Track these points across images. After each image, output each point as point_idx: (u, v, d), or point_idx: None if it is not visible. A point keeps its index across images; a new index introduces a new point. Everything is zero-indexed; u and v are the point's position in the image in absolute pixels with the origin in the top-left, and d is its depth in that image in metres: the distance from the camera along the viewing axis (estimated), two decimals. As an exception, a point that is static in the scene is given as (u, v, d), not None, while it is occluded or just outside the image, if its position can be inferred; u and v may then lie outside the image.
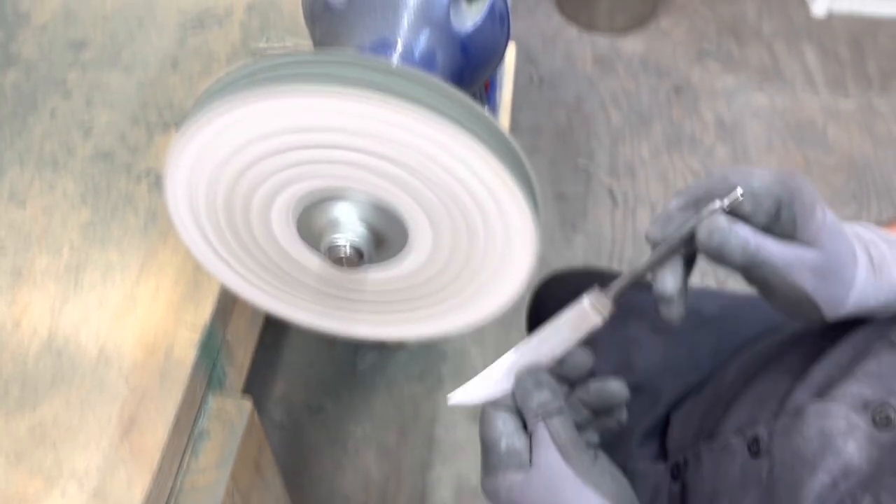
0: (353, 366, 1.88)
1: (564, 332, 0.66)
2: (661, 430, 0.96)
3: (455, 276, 0.59)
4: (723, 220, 0.59)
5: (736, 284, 1.85)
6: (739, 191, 0.60)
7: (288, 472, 1.70)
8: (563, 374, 0.67)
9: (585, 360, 0.67)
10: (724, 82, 2.59)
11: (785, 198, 0.60)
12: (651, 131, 2.45)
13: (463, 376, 1.84)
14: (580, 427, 0.69)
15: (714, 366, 0.96)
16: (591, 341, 1.08)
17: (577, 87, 2.59)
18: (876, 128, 2.45)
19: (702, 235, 0.59)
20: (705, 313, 1.05)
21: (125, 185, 0.84)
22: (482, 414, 0.67)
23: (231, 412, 0.75)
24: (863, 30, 2.77)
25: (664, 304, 0.65)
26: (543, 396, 0.64)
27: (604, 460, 0.66)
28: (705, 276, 2.06)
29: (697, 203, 0.62)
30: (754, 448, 0.74)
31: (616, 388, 0.67)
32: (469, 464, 1.74)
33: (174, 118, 0.91)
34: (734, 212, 0.61)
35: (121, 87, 0.95)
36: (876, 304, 0.65)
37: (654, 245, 0.64)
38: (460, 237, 0.56)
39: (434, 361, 1.89)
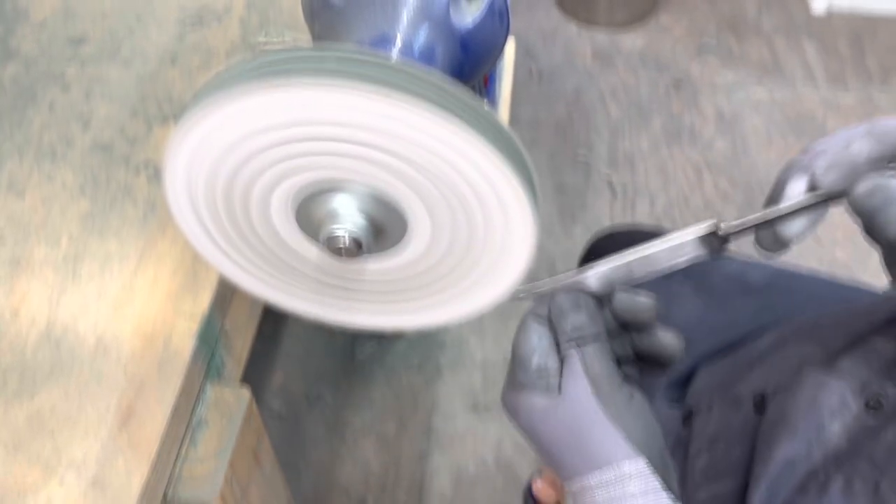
0: (351, 356, 1.88)
1: (663, 256, 0.60)
2: (686, 381, 0.96)
3: (454, 266, 0.59)
4: (895, 182, 0.52)
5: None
6: None
7: (286, 462, 1.71)
8: (630, 317, 0.63)
9: (653, 306, 0.62)
10: (724, 77, 2.59)
11: None
12: (650, 124, 2.45)
13: (462, 366, 1.86)
14: (621, 362, 0.64)
15: (751, 331, 0.94)
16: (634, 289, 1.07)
17: (577, 80, 2.59)
18: (875, 123, 2.45)
19: (861, 189, 0.53)
20: (751, 282, 1.04)
21: (124, 177, 0.85)
22: (521, 323, 0.62)
23: (229, 401, 0.76)
24: (862, 26, 2.76)
25: (773, 245, 0.59)
26: (580, 319, 0.60)
27: (640, 402, 0.61)
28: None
29: (893, 157, 0.55)
30: (759, 403, 0.74)
31: (671, 340, 0.63)
32: (468, 454, 1.75)
33: (173, 111, 0.91)
34: None
35: (120, 80, 0.95)
36: None
37: (812, 188, 0.57)
38: (459, 228, 0.56)
39: (433, 351, 1.89)
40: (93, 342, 0.72)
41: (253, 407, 0.78)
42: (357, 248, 0.56)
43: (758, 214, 0.58)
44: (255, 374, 1.83)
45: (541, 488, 1.34)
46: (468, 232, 0.56)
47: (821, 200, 0.56)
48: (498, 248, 0.57)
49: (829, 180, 0.56)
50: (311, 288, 0.64)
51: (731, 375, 0.87)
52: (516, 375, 0.61)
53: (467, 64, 0.71)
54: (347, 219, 0.55)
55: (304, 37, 1.00)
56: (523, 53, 2.65)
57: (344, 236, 0.55)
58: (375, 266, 0.61)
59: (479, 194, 0.53)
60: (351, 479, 1.71)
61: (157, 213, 0.81)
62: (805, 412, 0.67)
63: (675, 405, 0.93)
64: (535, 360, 0.60)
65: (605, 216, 2.20)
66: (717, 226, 0.59)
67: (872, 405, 0.64)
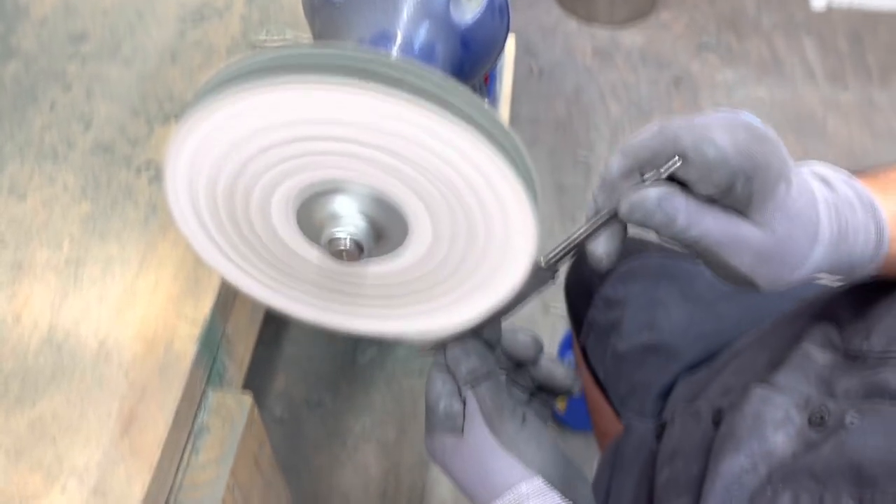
0: (352, 361, 1.88)
1: (511, 303, 0.64)
2: (671, 390, 0.97)
3: (455, 268, 0.59)
4: (651, 193, 0.55)
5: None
6: (676, 162, 0.55)
7: (287, 467, 1.70)
8: (514, 355, 0.69)
9: (533, 344, 0.68)
10: (724, 75, 2.59)
11: (745, 171, 0.54)
12: (651, 123, 2.44)
13: (463, 370, 1.84)
14: (531, 393, 0.71)
15: (735, 336, 0.96)
16: (620, 300, 1.09)
17: (577, 78, 2.59)
18: (875, 121, 2.45)
19: (623, 209, 0.56)
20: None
21: (125, 178, 0.84)
22: (428, 374, 0.69)
23: (231, 407, 0.75)
24: (862, 23, 2.76)
25: (593, 263, 0.62)
26: (471, 363, 0.66)
27: (533, 427, 0.67)
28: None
29: (642, 167, 0.58)
30: (716, 418, 0.76)
31: (561, 373, 0.69)
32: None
33: (174, 110, 0.91)
34: (675, 177, 0.56)
35: (121, 79, 0.95)
36: (830, 273, 0.62)
37: (596, 213, 0.60)
38: (460, 229, 0.56)
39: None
40: (94, 347, 0.72)
41: (255, 412, 0.77)
42: (358, 251, 0.55)
43: (562, 244, 0.62)
44: (256, 379, 1.83)
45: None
46: (469, 233, 0.56)
47: (603, 221, 0.60)
48: (498, 249, 0.56)
49: (600, 202, 0.60)
50: (313, 292, 0.64)
51: (697, 387, 0.88)
52: (429, 420, 0.68)
53: (468, 61, 0.70)
54: (348, 221, 0.55)
55: (304, 34, 1.00)
56: (523, 51, 2.65)
57: (345, 239, 0.55)
58: (376, 269, 0.61)
59: (479, 195, 0.52)
60: (351, 485, 1.71)
61: (158, 216, 0.81)
62: (750, 427, 0.70)
63: (651, 419, 0.93)
64: (442, 405, 0.67)
65: (605, 215, 2.20)
66: (537, 260, 0.62)
67: (815, 421, 0.66)
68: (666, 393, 0.98)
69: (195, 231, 0.60)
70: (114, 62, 0.97)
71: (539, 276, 0.63)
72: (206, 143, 0.52)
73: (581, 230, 0.61)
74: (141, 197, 0.83)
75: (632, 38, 2.72)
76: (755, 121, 0.57)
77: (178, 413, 0.69)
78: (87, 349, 0.72)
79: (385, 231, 0.57)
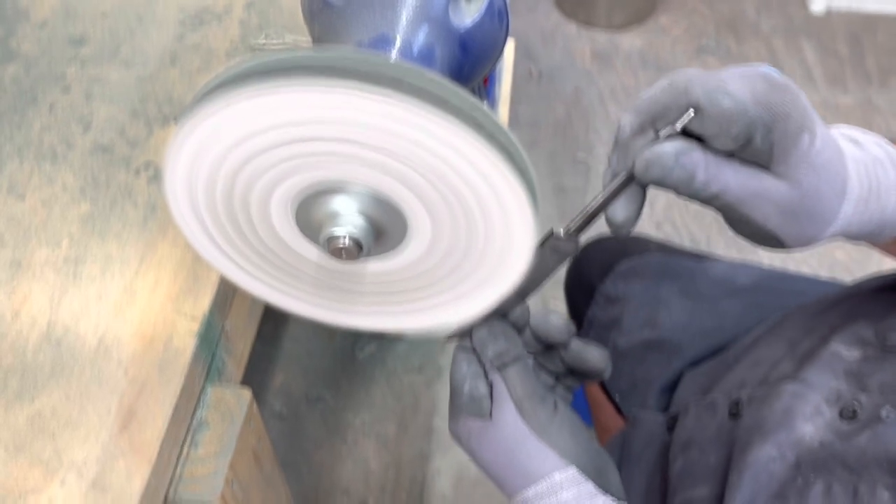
0: (352, 356, 1.88)
1: (535, 271, 0.62)
2: (676, 385, 0.97)
3: (454, 268, 0.59)
4: (667, 148, 0.53)
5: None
6: (690, 113, 0.53)
7: (287, 463, 1.71)
8: (545, 337, 0.67)
9: (565, 326, 0.66)
10: (723, 78, 2.58)
11: (764, 122, 0.52)
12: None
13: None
14: (556, 376, 0.70)
15: (739, 333, 0.96)
16: (621, 297, 1.09)
17: (576, 81, 2.59)
18: (875, 123, 2.45)
19: (638, 167, 0.55)
20: (738, 283, 1.05)
21: (124, 179, 0.85)
22: (453, 355, 0.67)
23: (230, 402, 0.76)
24: (861, 26, 2.77)
25: (613, 229, 0.60)
26: (499, 346, 0.64)
27: (564, 412, 0.65)
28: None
29: (655, 123, 0.56)
30: (734, 410, 0.75)
31: (595, 355, 0.67)
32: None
33: (173, 112, 0.91)
34: (691, 131, 0.54)
35: (120, 81, 0.95)
36: (859, 233, 0.60)
37: (613, 176, 0.59)
38: (459, 229, 0.56)
39: (433, 352, 1.89)
40: (94, 344, 0.72)
41: (254, 408, 0.78)
42: (357, 250, 0.55)
43: (581, 212, 0.60)
44: (255, 375, 1.83)
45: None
46: (468, 233, 0.56)
47: (620, 184, 0.58)
48: (498, 249, 0.56)
49: (614, 163, 0.59)
50: (312, 289, 0.64)
51: (709, 379, 0.87)
52: (454, 403, 0.66)
53: (467, 64, 0.71)
54: (347, 220, 0.55)
55: (303, 38, 1.00)
56: (523, 54, 2.65)
57: (344, 237, 0.55)
58: (376, 267, 0.61)
59: (478, 196, 0.53)
60: (351, 480, 1.71)
61: (157, 215, 0.81)
62: (780, 419, 0.68)
63: (660, 412, 0.93)
64: (467, 387, 0.65)
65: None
66: (556, 232, 0.62)
67: (847, 415, 0.65)
68: (668, 388, 0.98)
69: (194, 230, 0.60)
70: (113, 65, 0.97)
71: (561, 249, 0.62)
72: (205, 145, 0.52)
73: (599, 196, 0.59)
74: (140, 197, 0.83)
75: (631, 41, 2.72)
76: (773, 71, 0.55)
77: (176, 408, 0.69)
78: (87, 346, 0.72)
79: (384, 230, 0.57)
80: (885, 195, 0.58)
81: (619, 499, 0.64)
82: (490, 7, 0.70)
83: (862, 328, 0.72)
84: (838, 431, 0.65)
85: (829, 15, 2.82)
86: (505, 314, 0.66)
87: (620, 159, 0.58)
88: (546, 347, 0.69)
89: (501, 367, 0.64)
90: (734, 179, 0.54)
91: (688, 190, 0.55)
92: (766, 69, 0.55)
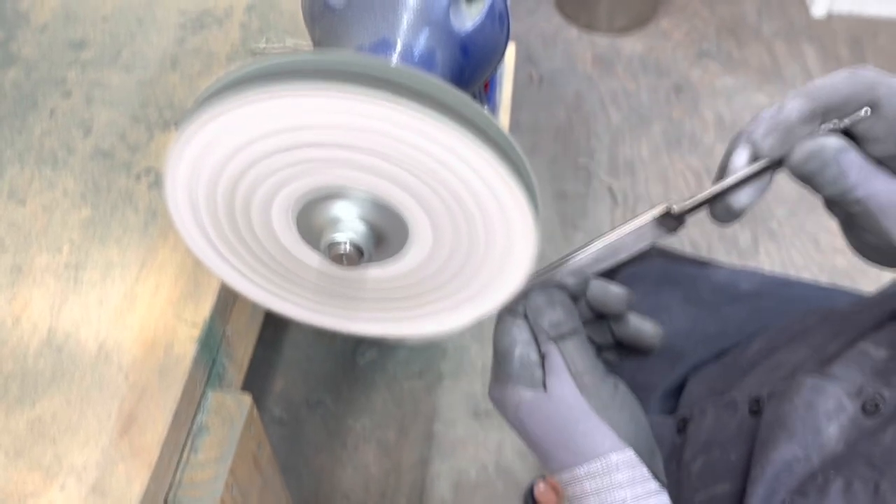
0: (352, 362, 1.88)
1: (628, 241, 0.62)
2: (679, 390, 0.97)
3: (455, 274, 0.59)
4: (831, 143, 0.52)
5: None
6: (865, 112, 0.51)
7: (287, 468, 1.71)
8: (602, 307, 0.65)
9: (626, 296, 0.64)
10: (724, 83, 2.59)
11: None
12: (651, 131, 2.45)
13: (463, 373, 1.85)
14: (602, 349, 0.67)
15: (741, 338, 0.96)
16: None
17: (577, 86, 2.59)
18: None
19: (796, 156, 0.54)
20: (740, 289, 1.05)
21: (125, 184, 0.85)
22: (497, 319, 0.64)
23: (230, 407, 0.76)
24: (863, 30, 2.77)
25: (723, 216, 0.59)
26: (556, 315, 0.62)
27: (624, 392, 0.63)
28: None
29: (825, 114, 0.54)
30: (754, 407, 0.74)
31: (651, 329, 0.66)
32: (468, 459, 1.74)
33: (174, 117, 0.91)
34: (853, 132, 0.53)
35: (121, 85, 0.95)
36: None
37: (756, 158, 0.57)
38: (460, 235, 0.56)
39: (434, 358, 1.89)
40: (94, 349, 0.72)
41: (254, 413, 0.78)
42: (358, 255, 0.55)
43: (706, 192, 0.59)
44: (256, 380, 1.83)
45: (542, 491, 1.33)
46: (469, 239, 0.56)
47: (762, 169, 0.57)
48: (499, 255, 0.56)
49: (767, 147, 0.57)
50: (313, 295, 0.64)
51: (724, 381, 0.87)
52: (501, 368, 0.63)
53: (468, 68, 0.71)
54: (348, 226, 0.55)
55: (304, 42, 1.00)
56: (524, 59, 2.65)
57: (345, 243, 0.55)
58: (377, 273, 0.61)
59: (479, 201, 0.53)
60: (352, 485, 1.71)
61: (158, 221, 0.81)
62: (802, 415, 0.68)
63: (668, 415, 0.93)
64: (518, 352, 0.62)
65: (605, 223, 2.20)
66: (670, 207, 0.60)
67: (870, 409, 0.65)
68: (671, 393, 0.98)
69: (195, 236, 0.60)
70: (114, 69, 0.97)
71: (665, 225, 0.61)
72: (206, 150, 0.52)
73: (732, 178, 0.57)
74: (141, 202, 0.83)
75: (632, 45, 2.72)
76: None
77: (177, 413, 0.69)
78: (87, 351, 0.72)
79: (385, 235, 0.57)
80: None
81: (664, 485, 0.63)
82: (491, 10, 0.70)
83: (891, 331, 0.71)
84: (861, 428, 0.64)
85: (831, 19, 2.82)
86: (565, 284, 0.64)
87: (777, 142, 0.56)
88: (597, 317, 0.67)
89: (558, 339, 0.62)
90: (883, 188, 0.53)
91: (835, 189, 0.54)
92: None
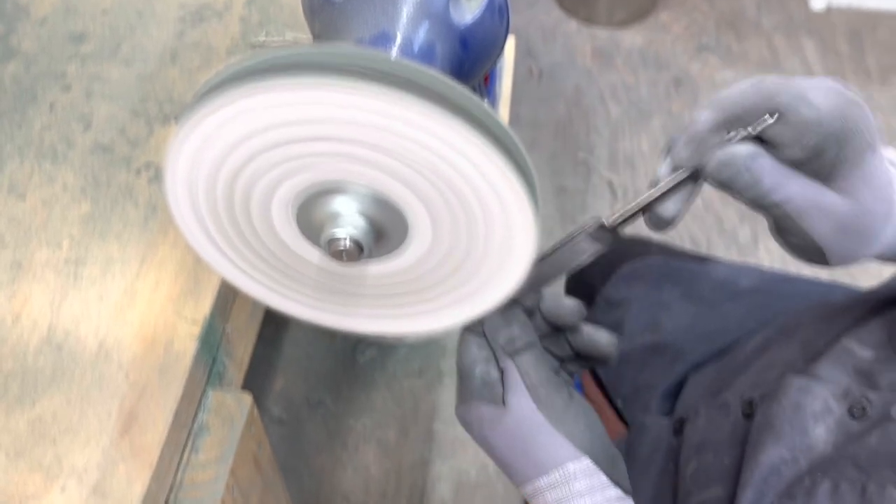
0: (352, 360, 1.88)
1: (565, 257, 0.63)
2: (679, 390, 0.97)
3: (454, 269, 0.59)
4: (741, 151, 0.54)
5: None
6: (770, 119, 0.53)
7: (287, 468, 1.71)
8: (556, 320, 0.66)
9: (578, 308, 0.65)
10: (724, 76, 2.59)
11: (837, 135, 0.52)
12: (650, 125, 2.45)
13: (463, 371, 1.84)
14: (563, 361, 0.68)
15: (742, 335, 0.96)
16: (623, 301, 1.09)
17: (577, 79, 2.59)
18: (875, 121, 2.45)
19: (710, 166, 0.55)
20: (740, 286, 1.05)
21: (125, 178, 0.84)
22: (459, 338, 0.65)
23: (231, 407, 0.75)
24: (862, 23, 2.76)
25: (657, 225, 0.61)
26: (511, 331, 0.63)
27: (579, 402, 0.65)
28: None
29: (733, 123, 0.55)
30: (747, 410, 0.75)
31: (605, 339, 0.66)
32: (469, 460, 1.74)
33: (174, 111, 0.91)
34: (764, 137, 0.54)
35: (121, 79, 0.95)
36: (892, 255, 0.61)
37: (673, 169, 0.58)
38: (460, 230, 0.55)
39: (434, 356, 1.89)
40: (94, 347, 0.72)
41: (254, 412, 0.77)
42: (358, 251, 0.55)
43: (633, 203, 0.60)
44: (256, 380, 1.83)
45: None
46: (469, 234, 0.55)
47: (684, 179, 0.58)
48: (498, 250, 0.56)
49: (683, 158, 0.58)
50: (313, 292, 0.64)
51: (719, 382, 0.87)
52: (463, 387, 0.65)
53: (467, 61, 0.70)
54: (348, 221, 0.55)
55: (304, 35, 1.00)
56: (523, 52, 2.65)
57: (345, 239, 0.55)
58: (377, 269, 0.61)
59: (479, 195, 0.52)
60: (352, 485, 1.71)
61: (158, 216, 0.81)
62: (790, 417, 0.69)
63: (665, 416, 0.93)
64: (478, 370, 0.64)
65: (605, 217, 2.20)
66: (601, 221, 0.61)
67: (857, 413, 0.66)
68: (671, 392, 0.98)
69: (195, 232, 0.60)
70: (114, 62, 0.97)
71: (599, 238, 0.62)
72: (206, 144, 0.52)
73: (654, 190, 0.59)
74: (141, 197, 0.83)
75: (632, 39, 2.72)
76: (846, 86, 0.55)
77: (177, 413, 0.69)
78: (87, 349, 0.72)
79: (385, 231, 0.57)
80: None
81: (627, 491, 0.64)
82: (490, 4, 0.70)
83: (876, 330, 0.72)
84: (849, 431, 0.65)
85: (830, 12, 2.81)
86: (517, 299, 0.64)
87: (691, 154, 0.58)
88: (554, 330, 0.68)
89: (514, 354, 0.63)
90: (798, 190, 0.55)
91: (751, 194, 0.55)
92: (840, 84, 0.55)
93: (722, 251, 2.12)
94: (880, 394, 0.65)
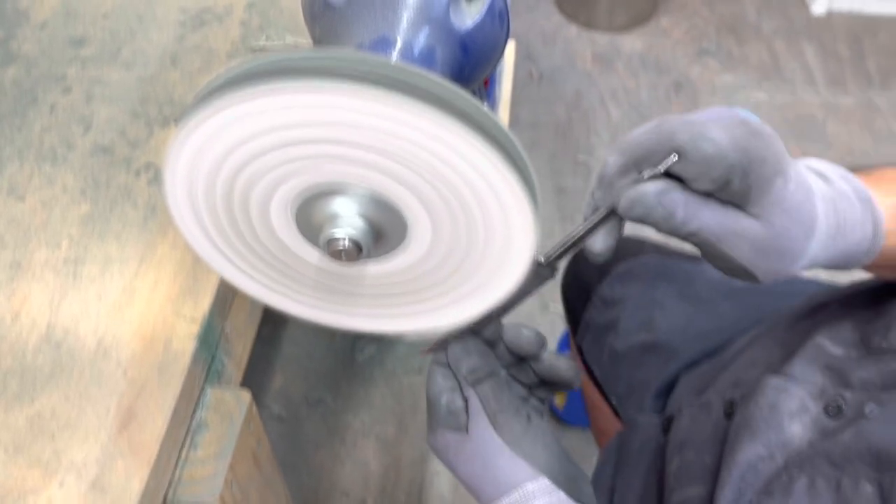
0: (351, 358, 1.88)
1: (511, 299, 0.64)
2: (673, 388, 0.98)
3: (454, 270, 0.59)
4: (649, 188, 0.56)
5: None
6: (673, 158, 0.55)
7: (286, 464, 1.71)
8: (518, 350, 0.68)
9: (537, 339, 0.67)
10: (724, 80, 2.59)
11: (742, 166, 0.54)
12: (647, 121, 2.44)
13: (461, 371, 1.84)
14: (529, 388, 0.71)
15: (736, 334, 0.96)
16: (618, 300, 1.09)
17: (577, 83, 2.59)
18: (875, 124, 2.45)
19: (623, 205, 0.57)
20: (735, 285, 1.06)
21: (125, 180, 0.85)
22: (428, 371, 0.69)
23: (229, 403, 0.76)
24: (862, 28, 2.77)
25: (591, 258, 0.63)
26: (472, 362, 0.67)
27: (537, 426, 0.68)
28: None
29: (639, 164, 0.58)
30: (728, 410, 0.76)
31: (564, 366, 0.69)
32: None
33: (174, 113, 0.91)
34: (673, 172, 0.56)
35: (121, 82, 0.95)
36: (826, 265, 0.63)
37: (594, 210, 0.61)
38: (459, 231, 0.56)
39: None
40: (93, 345, 0.72)
41: (253, 409, 0.78)
42: (357, 251, 0.55)
43: (562, 240, 0.63)
44: (255, 377, 1.83)
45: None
46: (468, 234, 0.56)
47: (601, 217, 0.61)
48: (498, 251, 0.56)
49: (598, 198, 0.61)
50: (312, 291, 0.64)
51: (705, 380, 0.88)
52: (431, 416, 0.68)
53: (467, 66, 0.71)
54: (347, 222, 0.55)
55: (304, 39, 1.00)
56: (523, 56, 2.65)
57: (344, 239, 0.55)
58: (375, 269, 0.61)
59: (478, 197, 0.53)
60: (351, 482, 1.71)
61: (157, 216, 0.81)
62: (766, 416, 0.70)
63: (656, 414, 0.94)
64: (444, 400, 0.67)
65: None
66: (537, 258, 0.62)
67: (832, 412, 0.67)
68: (666, 390, 0.98)
69: (194, 232, 0.60)
70: (114, 66, 0.97)
71: (539, 274, 0.64)
72: (206, 146, 0.52)
73: (580, 228, 0.62)
74: (140, 198, 0.83)
75: (632, 43, 2.72)
76: (751, 116, 0.58)
77: (176, 410, 0.69)
78: (86, 347, 0.72)
79: (384, 231, 0.57)
80: (851, 231, 0.61)
81: None
82: (491, 8, 0.70)
83: (847, 330, 0.73)
84: (824, 429, 0.67)
85: (830, 16, 2.82)
86: (478, 331, 0.68)
87: (604, 195, 0.60)
88: (519, 360, 0.71)
89: (475, 383, 0.67)
90: (712, 219, 0.57)
91: (667, 227, 0.57)
92: (745, 114, 0.58)
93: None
94: (854, 392, 0.67)
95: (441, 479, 1.71)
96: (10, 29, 1.02)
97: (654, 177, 0.57)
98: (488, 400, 0.66)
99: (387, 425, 1.78)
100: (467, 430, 0.67)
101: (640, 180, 0.57)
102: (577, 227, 0.62)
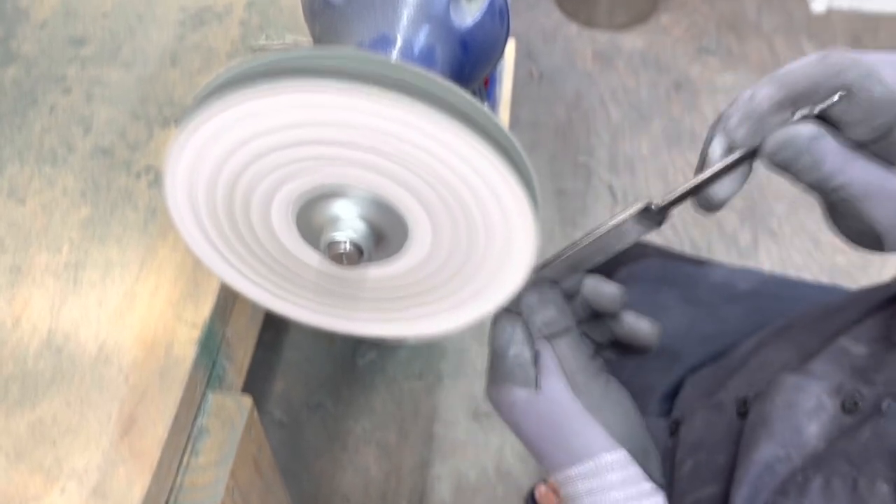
0: (352, 363, 1.88)
1: (612, 238, 0.61)
2: (677, 392, 0.97)
3: (454, 273, 0.59)
4: (802, 131, 0.51)
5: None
6: (835, 98, 0.50)
7: (287, 470, 1.71)
8: (597, 306, 0.65)
9: (619, 295, 0.64)
10: (724, 79, 2.58)
11: None
12: (651, 127, 2.44)
13: (463, 374, 1.85)
14: (602, 347, 0.67)
15: (739, 338, 0.96)
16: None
17: (577, 82, 2.59)
18: (876, 123, 2.45)
19: (769, 146, 0.53)
20: (739, 289, 1.05)
21: (125, 182, 0.84)
22: (494, 318, 0.63)
23: (231, 409, 0.75)
24: (862, 26, 2.76)
25: (707, 207, 0.58)
26: (549, 314, 0.62)
27: (615, 390, 0.63)
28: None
29: (795, 101, 0.53)
30: (741, 408, 0.75)
31: (646, 328, 0.66)
32: (468, 462, 1.74)
33: (174, 114, 0.91)
34: (830, 117, 0.51)
35: (121, 82, 0.95)
36: None
37: (725, 149, 0.56)
38: (460, 234, 0.55)
39: (434, 359, 1.89)
40: (94, 350, 0.72)
41: (254, 415, 0.77)
42: (358, 255, 0.55)
43: (685, 185, 0.58)
44: (256, 382, 1.83)
45: (543, 494, 1.33)
46: (468, 237, 0.55)
47: (740, 159, 0.56)
48: (498, 253, 0.56)
49: (740, 137, 0.56)
50: (313, 295, 0.64)
51: (714, 382, 0.87)
52: (496, 368, 0.63)
53: (468, 64, 0.70)
54: (348, 225, 0.55)
55: (304, 38, 1.00)
56: (524, 55, 2.65)
57: (345, 242, 0.55)
58: (376, 273, 0.61)
59: (479, 199, 0.52)
60: (352, 487, 1.71)
61: (157, 219, 0.81)
62: (783, 415, 0.68)
63: (661, 417, 0.93)
64: (512, 350, 0.62)
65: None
66: (650, 202, 0.59)
67: (849, 407, 0.65)
68: (669, 394, 0.98)
69: (195, 235, 0.60)
70: (114, 66, 0.97)
71: (647, 220, 0.60)
72: (206, 147, 0.52)
73: (710, 170, 0.57)
74: (141, 201, 0.83)
75: (632, 41, 2.72)
76: None
77: (177, 416, 0.69)
78: (87, 352, 0.72)
79: (385, 234, 0.57)
80: None
81: (659, 485, 0.63)
82: (491, 7, 0.70)
83: (872, 327, 0.72)
84: (841, 426, 0.65)
85: (830, 14, 2.81)
86: (556, 281, 0.63)
87: (749, 133, 0.56)
88: (593, 316, 0.67)
89: (551, 337, 0.62)
90: (861, 174, 0.53)
91: (811, 178, 0.53)
92: None
93: (722, 254, 2.12)
94: (873, 388, 0.65)
95: (442, 484, 1.71)
96: (9, 28, 1.01)
97: (806, 117, 0.52)
98: (566, 357, 0.61)
99: (388, 431, 1.78)
100: (538, 387, 0.62)
101: (791, 121, 0.53)
102: (703, 170, 0.57)
